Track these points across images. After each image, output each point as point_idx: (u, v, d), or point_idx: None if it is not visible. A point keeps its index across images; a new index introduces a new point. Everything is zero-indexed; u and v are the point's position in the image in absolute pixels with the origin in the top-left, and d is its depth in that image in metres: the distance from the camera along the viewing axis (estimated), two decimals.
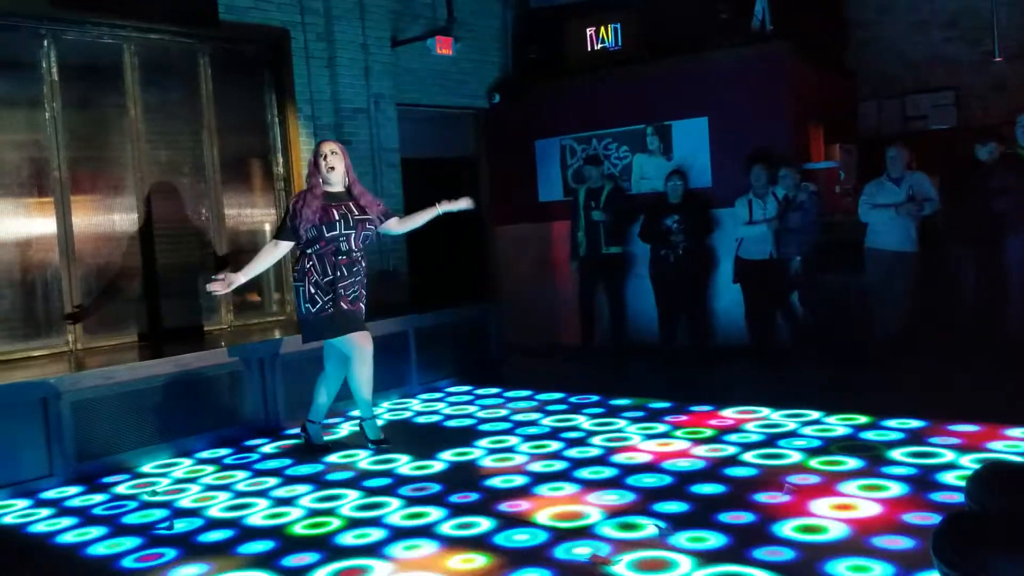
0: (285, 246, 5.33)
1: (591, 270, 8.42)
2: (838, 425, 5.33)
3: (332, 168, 5.28)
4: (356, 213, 5.29)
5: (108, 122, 6.67)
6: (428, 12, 8.89)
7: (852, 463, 4.54)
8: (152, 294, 6.83)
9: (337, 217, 5.22)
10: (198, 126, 7.16)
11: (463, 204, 5.69)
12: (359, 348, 5.24)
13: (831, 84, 9.29)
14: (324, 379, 5.53)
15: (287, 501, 4.55)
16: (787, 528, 3.68)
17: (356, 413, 5.71)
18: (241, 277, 5.20)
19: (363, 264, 5.37)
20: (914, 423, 5.23)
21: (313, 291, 5.17)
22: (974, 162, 7.00)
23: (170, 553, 3.91)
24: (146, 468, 5.36)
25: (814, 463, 4.58)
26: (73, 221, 6.42)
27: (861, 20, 9.88)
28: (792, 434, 5.19)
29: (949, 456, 4.57)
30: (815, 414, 5.60)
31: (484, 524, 3.98)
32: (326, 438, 5.74)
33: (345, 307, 5.21)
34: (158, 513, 4.48)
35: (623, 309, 8.45)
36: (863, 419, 5.40)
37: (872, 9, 9.79)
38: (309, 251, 5.21)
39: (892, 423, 5.27)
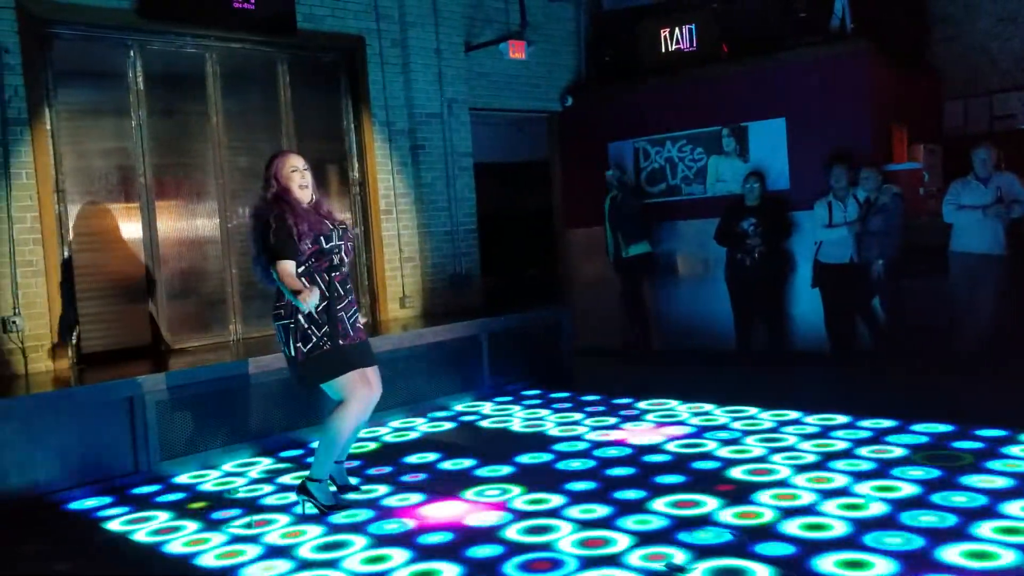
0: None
1: (623, 274, 8.65)
2: (921, 432, 5.16)
3: (304, 187, 4.45)
4: (341, 224, 4.54)
5: (191, 129, 6.86)
6: (501, 16, 8.92)
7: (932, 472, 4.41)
8: (233, 296, 7.00)
9: (331, 227, 4.43)
10: (277, 132, 7.31)
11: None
12: (367, 393, 4.46)
13: (914, 83, 9.02)
14: (352, 414, 4.43)
15: (362, 502, 4.60)
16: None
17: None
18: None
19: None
20: (997, 432, 5.04)
21: (306, 326, 4.28)
22: None
23: (249, 551, 3.99)
24: (227, 467, 5.49)
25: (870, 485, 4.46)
26: (158, 226, 6.62)
27: (946, 16, 9.56)
28: (872, 441, 5.06)
29: None
30: (892, 422, 5.44)
31: (562, 528, 3.97)
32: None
33: (348, 340, 4.39)
34: (238, 512, 4.58)
35: (644, 311, 8.61)
36: (946, 428, 5.22)
37: (957, 5, 9.48)
38: (299, 273, 4.28)
39: (978, 431, 5.09)
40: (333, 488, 4.61)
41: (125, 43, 6.46)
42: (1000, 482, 4.21)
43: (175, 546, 4.15)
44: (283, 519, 4.41)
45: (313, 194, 4.49)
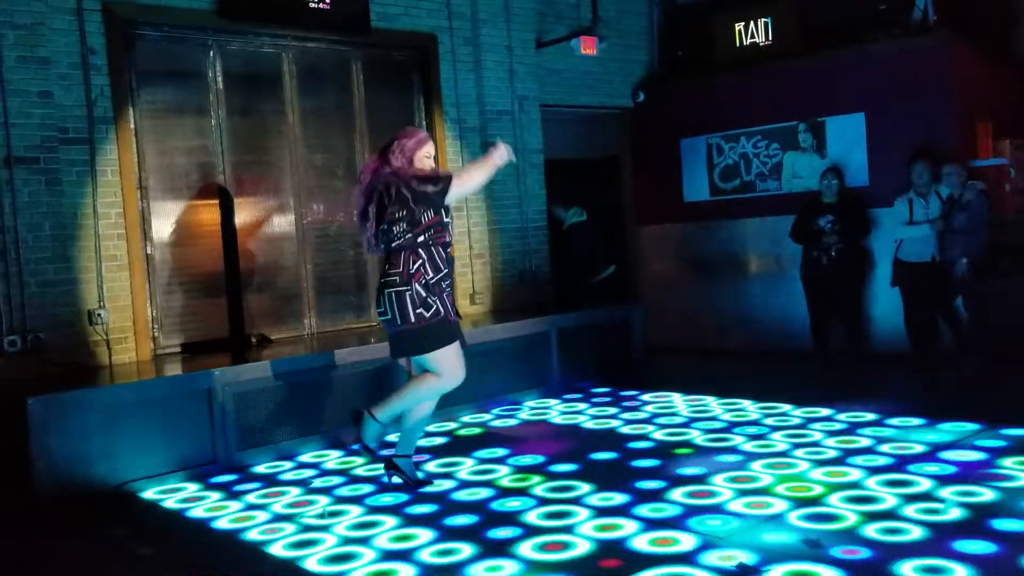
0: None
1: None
2: (1005, 436, 4.98)
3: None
4: None
5: (268, 128, 7.00)
6: (573, 12, 8.89)
7: None
8: (308, 291, 7.12)
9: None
10: (351, 130, 7.41)
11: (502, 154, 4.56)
12: (458, 374, 4.55)
13: (1000, 76, 8.71)
14: (434, 394, 4.64)
15: (435, 495, 4.63)
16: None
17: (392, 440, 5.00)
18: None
19: None
20: None
21: (424, 294, 4.39)
22: None
23: (322, 541, 4.05)
24: (303, 458, 5.59)
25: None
26: (236, 222, 6.75)
27: None
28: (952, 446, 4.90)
29: None
30: (977, 426, 5.26)
31: (628, 527, 3.94)
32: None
33: (452, 314, 4.52)
34: (311, 502, 4.66)
35: None
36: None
37: None
38: (419, 243, 4.41)
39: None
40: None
41: (205, 43, 6.62)
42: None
43: (252, 534, 4.24)
44: (355, 510, 4.47)
45: None
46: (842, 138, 8.11)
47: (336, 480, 5.07)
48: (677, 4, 9.69)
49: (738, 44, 8.85)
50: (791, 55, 8.47)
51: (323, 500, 4.69)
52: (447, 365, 4.47)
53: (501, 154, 4.51)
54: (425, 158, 4.55)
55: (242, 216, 6.81)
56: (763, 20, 8.68)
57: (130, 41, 6.24)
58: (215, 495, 4.92)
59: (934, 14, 7.77)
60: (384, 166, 4.50)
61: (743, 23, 8.80)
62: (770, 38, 8.67)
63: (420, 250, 4.40)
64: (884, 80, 7.81)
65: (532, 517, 4.17)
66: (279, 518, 4.44)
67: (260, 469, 5.39)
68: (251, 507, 4.66)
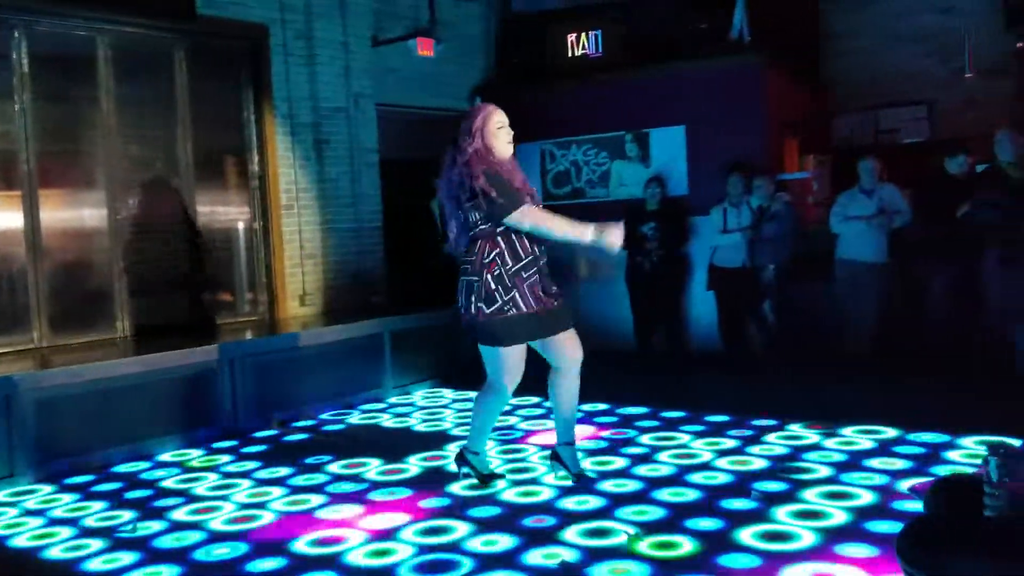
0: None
1: None
2: (807, 434, 5.34)
3: (510, 143, 4.42)
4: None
5: (79, 115, 6.57)
6: (411, 13, 8.85)
7: (823, 471, 4.56)
8: (121, 291, 6.74)
9: (530, 187, 4.37)
10: (172, 121, 7.08)
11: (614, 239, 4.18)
12: (571, 357, 4.40)
13: (807, 96, 9.36)
14: (495, 396, 4.42)
15: (256, 505, 4.49)
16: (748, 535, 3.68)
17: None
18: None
19: None
20: (882, 432, 5.25)
21: (493, 286, 4.12)
22: (944, 175, 7.02)
23: (133, 557, 3.85)
24: (113, 469, 5.28)
25: (782, 472, 4.59)
26: (41, 215, 6.31)
27: (837, 34, 9.96)
28: (759, 442, 5.21)
29: (913, 465, 4.60)
30: (779, 422, 5.61)
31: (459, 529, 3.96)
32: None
33: (536, 308, 4.18)
34: (121, 515, 4.41)
35: None
36: (829, 429, 5.42)
37: (846, 23, 9.89)
38: (499, 231, 4.17)
39: (855, 431, 5.28)
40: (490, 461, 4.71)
41: (9, 22, 6.15)
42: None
43: (57, 551, 3.97)
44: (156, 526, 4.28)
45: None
46: (665, 149, 8.48)
47: (150, 491, 4.82)
48: (514, 12, 9.84)
49: (570, 55, 9.09)
50: (618, 68, 8.78)
51: (130, 514, 4.46)
52: (500, 371, 4.27)
53: (611, 234, 4.12)
54: (498, 129, 4.35)
55: (48, 209, 6.35)
56: (593, 32, 8.95)
57: None
58: (12, 511, 4.57)
59: (749, 35, 8.26)
60: (459, 155, 4.27)
61: (575, 35, 9.04)
62: (600, 50, 8.95)
63: (499, 238, 4.16)
64: (702, 96, 8.23)
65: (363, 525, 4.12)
66: (85, 533, 4.18)
67: (65, 482, 5.04)
68: (53, 522, 4.36)
